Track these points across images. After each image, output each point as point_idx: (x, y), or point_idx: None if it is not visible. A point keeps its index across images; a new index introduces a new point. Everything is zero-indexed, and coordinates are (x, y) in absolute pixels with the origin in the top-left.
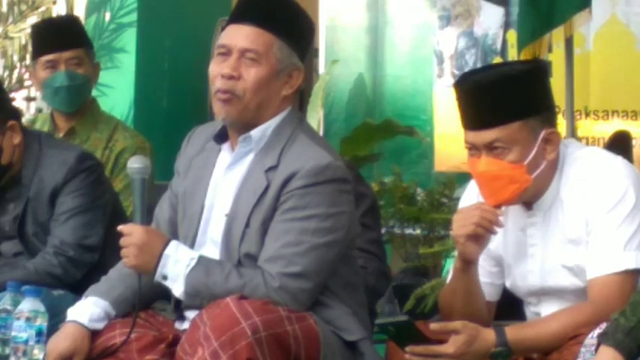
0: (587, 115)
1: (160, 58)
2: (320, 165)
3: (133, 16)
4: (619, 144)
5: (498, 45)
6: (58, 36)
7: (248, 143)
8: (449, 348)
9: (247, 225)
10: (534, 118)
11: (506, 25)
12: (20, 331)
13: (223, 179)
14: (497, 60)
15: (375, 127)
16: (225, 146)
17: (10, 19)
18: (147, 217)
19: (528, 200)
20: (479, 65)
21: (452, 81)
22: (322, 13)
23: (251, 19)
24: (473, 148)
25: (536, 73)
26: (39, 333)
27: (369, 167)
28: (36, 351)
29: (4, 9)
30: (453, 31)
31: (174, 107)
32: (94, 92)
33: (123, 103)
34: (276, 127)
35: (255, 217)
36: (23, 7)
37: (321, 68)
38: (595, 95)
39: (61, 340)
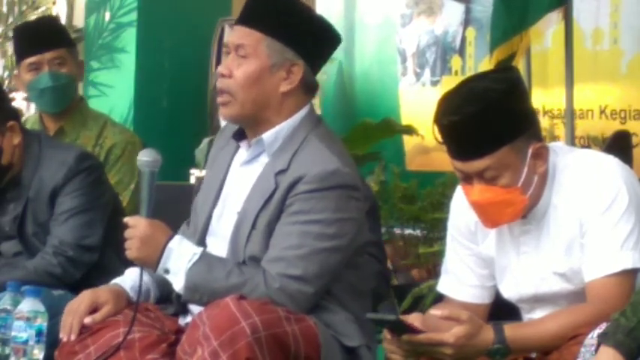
0: (544, 113)
1: (160, 58)
2: (326, 170)
3: (133, 16)
4: (619, 143)
5: (457, 42)
6: (38, 38)
7: (260, 145)
8: (450, 338)
9: (254, 226)
10: (520, 138)
11: (466, 23)
12: (20, 331)
13: (238, 175)
14: (456, 59)
15: (374, 126)
16: (243, 143)
17: (10, 19)
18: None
19: (523, 213)
20: (439, 64)
21: (415, 79)
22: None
23: (243, 19)
24: (463, 175)
25: (515, 91)
26: (39, 333)
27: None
28: (36, 351)
29: (4, 9)
30: (415, 29)
31: (174, 107)
32: (94, 92)
33: (123, 103)
34: (290, 130)
35: (261, 219)
36: (23, 7)
37: None
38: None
39: (101, 289)
